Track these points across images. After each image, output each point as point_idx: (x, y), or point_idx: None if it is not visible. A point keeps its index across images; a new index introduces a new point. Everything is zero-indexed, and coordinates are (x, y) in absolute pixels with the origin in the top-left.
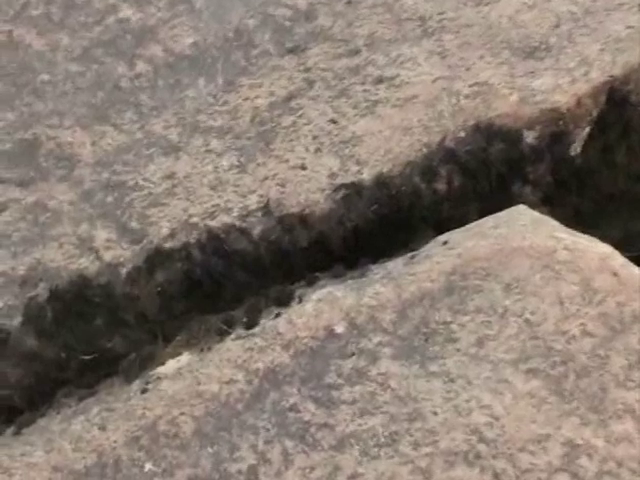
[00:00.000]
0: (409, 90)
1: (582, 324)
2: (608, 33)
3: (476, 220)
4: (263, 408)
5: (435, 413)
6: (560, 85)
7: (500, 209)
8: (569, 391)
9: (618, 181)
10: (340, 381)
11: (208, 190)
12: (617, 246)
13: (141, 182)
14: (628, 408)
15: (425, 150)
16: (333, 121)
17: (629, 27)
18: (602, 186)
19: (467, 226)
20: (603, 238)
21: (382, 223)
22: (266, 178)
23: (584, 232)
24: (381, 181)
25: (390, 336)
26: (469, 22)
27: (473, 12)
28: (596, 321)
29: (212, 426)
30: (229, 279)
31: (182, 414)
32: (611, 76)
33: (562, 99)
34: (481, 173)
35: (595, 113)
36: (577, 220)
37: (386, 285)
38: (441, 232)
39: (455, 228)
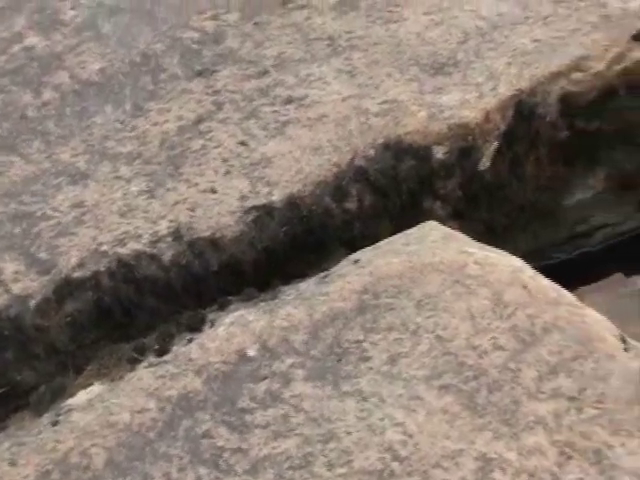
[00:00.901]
0: (318, 110)
1: (493, 338)
2: (515, 47)
3: (388, 237)
4: (176, 436)
5: (349, 433)
6: (468, 100)
7: (411, 225)
8: (482, 405)
9: (527, 193)
10: (253, 405)
11: (117, 217)
12: (528, 257)
13: (49, 212)
14: (540, 420)
15: (335, 170)
16: (243, 143)
17: (535, 40)
18: (512, 199)
19: (378, 244)
20: (514, 250)
21: (294, 244)
22: (176, 203)
23: (495, 245)
24: (292, 202)
25: (303, 357)
26: (378, 40)
27: (382, 30)
28: (507, 334)
29: (124, 456)
30: (140, 306)
31: (94, 445)
32: (518, 89)
33: (470, 114)
34: (392, 190)
35: (503, 127)
36: (488, 234)
37: (298, 306)
38: (353, 251)
39: (367, 246)
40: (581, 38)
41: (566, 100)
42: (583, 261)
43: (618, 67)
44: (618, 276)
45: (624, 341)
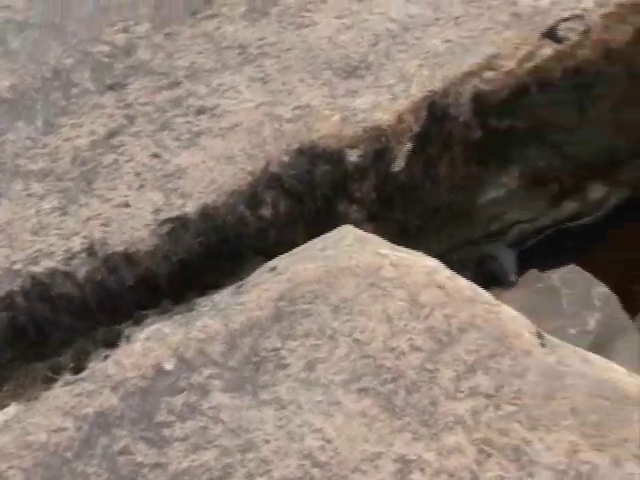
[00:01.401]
0: (231, 119)
1: (410, 339)
2: (426, 48)
3: (304, 243)
4: (93, 454)
5: (268, 442)
6: (381, 103)
7: (327, 230)
8: (400, 407)
9: (442, 194)
10: (171, 418)
11: (30, 235)
12: (445, 257)
13: None
14: (458, 419)
15: (249, 178)
16: (156, 155)
17: (447, 41)
18: (427, 200)
19: (294, 250)
20: (430, 251)
21: (209, 255)
22: (89, 219)
23: (411, 247)
24: (206, 213)
25: (220, 368)
26: (289, 46)
27: (293, 36)
28: (424, 335)
29: (41, 477)
30: (55, 324)
31: (10, 467)
32: (431, 91)
33: (383, 116)
34: (306, 196)
35: (417, 128)
36: (404, 235)
37: (214, 317)
38: (269, 258)
39: (283, 253)
40: (492, 37)
41: (478, 99)
42: None
43: (529, 65)
44: (533, 272)
45: (540, 337)
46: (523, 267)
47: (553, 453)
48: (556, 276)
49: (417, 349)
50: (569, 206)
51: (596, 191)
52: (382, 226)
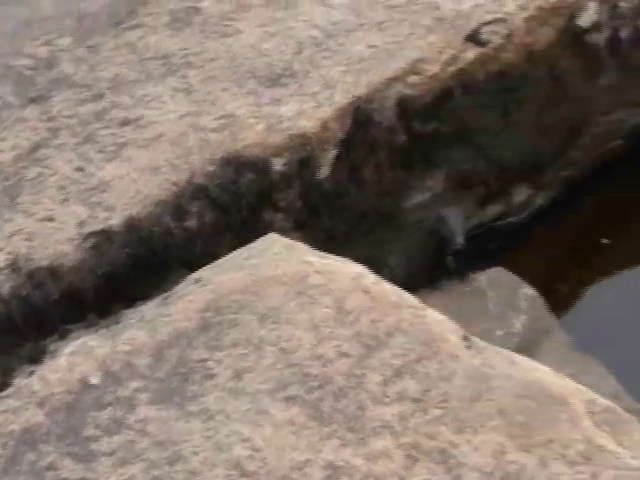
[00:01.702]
0: (155, 130)
1: (337, 346)
2: (350, 54)
3: (230, 253)
4: (20, 470)
5: (196, 453)
6: (305, 110)
7: (253, 240)
8: (328, 414)
9: (368, 199)
10: (98, 433)
11: None
12: (372, 263)
13: None
14: (386, 424)
15: (174, 188)
16: (80, 169)
17: (371, 46)
18: (352, 206)
19: (220, 260)
20: (357, 257)
21: (135, 267)
22: (13, 234)
23: (338, 253)
24: (131, 225)
25: (147, 381)
26: (213, 55)
27: (217, 45)
28: (351, 341)
29: None
30: None
31: None
32: (355, 97)
33: (308, 124)
34: (232, 205)
35: (341, 135)
36: (331, 242)
37: (141, 329)
38: (196, 269)
39: (209, 264)
40: (416, 41)
41: (403, 104)
42: None
43: (453, 68)
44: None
45: (466, 339)
46: (448, 270)
47: (480, 454)
48: (482, 278)
49: (344, 355)
50: (494, 208)
51: (521, 194)
52: (309, 233)
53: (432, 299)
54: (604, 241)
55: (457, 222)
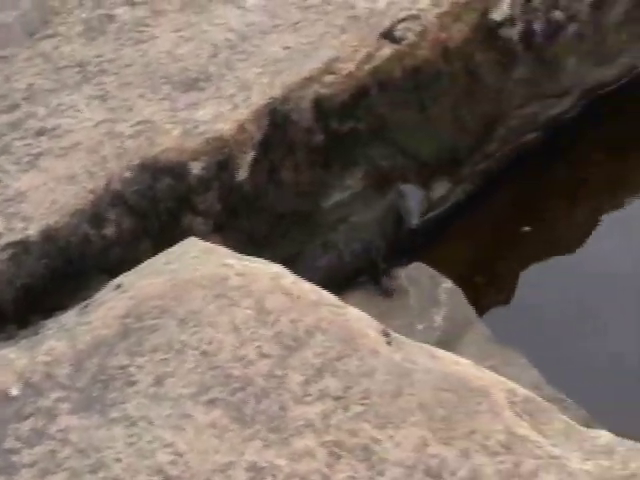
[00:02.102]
0: (71, 138)
1: (258, 347)
2: (265, 56)
3: (149, 259)
4: None
5: (118, 460)
6: (222, 113)
7: (173, 244)
8: (250, 416)
9: (287, 200)
10: (19, 444)
11: None
12: (292, 263)
13: None
14: (308, 423)
15: (91, 197)
16: None
17: (286, 47)
18: (272, 207)
19: (139, 266)
20: (277, 258)
21: (53, 276)
22: None
23: (258, 255)
24: (48, 234)
25: (68, 390)
26: (129, 62)
27: (132, 51)
28: (272, 342)
29: None
30: None
31: None
32: (271, 98)
33: (225, 127)
34: (150, 211)
35: (259, 136)
36: (251, 244)
37: (60, 339)
38: (115, 276)
39: (128, 270)
40: (331, 41)
41: (320, 104)
42: None
43: (369, 66)
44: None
45: (387, 335)
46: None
47: (402, 449)
48: (402, 274)
49: (265, 356)
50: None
51: (440, 188)
52: (229, 236)
53: (353, 297)
54: (525, 229)
55: (415, 202)
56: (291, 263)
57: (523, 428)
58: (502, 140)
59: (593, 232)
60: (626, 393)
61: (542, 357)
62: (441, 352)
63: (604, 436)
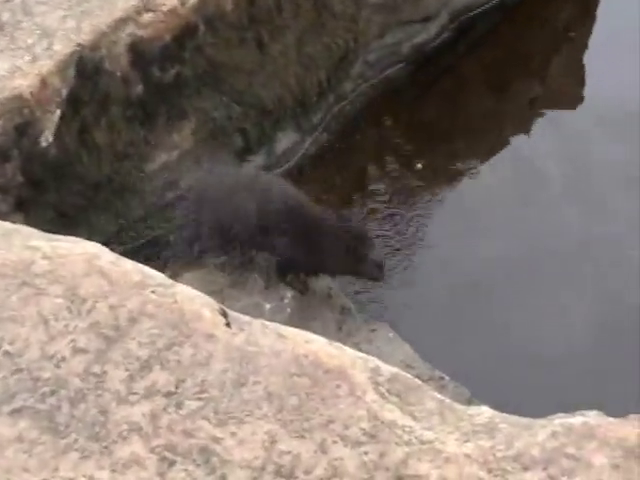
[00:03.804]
0: None
1: (72, 341)
2: None
3: None
4: None
5: None
6: (20, 67)
7: None
8: (64, 424)
9: (103, 166)
10: None
11: None
12: (113, 239)
13: None
14: (134, 426)
15: None
16: None
17: None
18: (85, 175)
19: None
20: (94, 235)
21: None
22: None
23: (72, 233)
24: None
25: None
26: None
27: None
28: (88, 334)
29: None
30: None
31: None
32: (78, 45)
33: (24, 83)
34: None
35: (65, 91)
36: (62, 221)
37: None
38: None
39: None
40: None
41: (137, 48)
42: None
43: (193, 0)
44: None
45: (225, 315)
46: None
47: (247, 448)
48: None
49: (81, 351)
50: (255, 161)
51: (286, 139)
52: (35, 213)
53: (187, 274)
54: (418, 165)
55: None
56: (114, 239)
57: (389, 412)
58: (360, 77)
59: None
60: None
61: (415, 330)
62: (290, 330)
63: (484, 413)
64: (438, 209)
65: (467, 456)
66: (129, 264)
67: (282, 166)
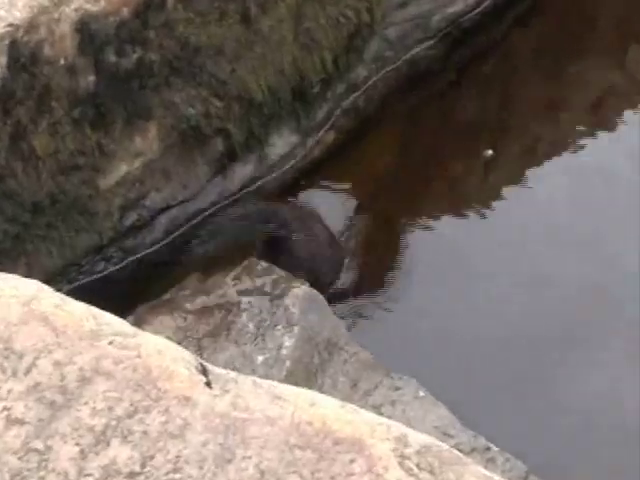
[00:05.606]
0: None
1: (6, 409)
2: None
3: None
4: None
5: None
6: None
7: None
8: None
9: (43, 182)
10: None
11: None
12: (59, 276)
13: None
14: None
15: None
16: None
17: None
18: (20, 194)
19: None
20: (33, 270)
21: None
22: None
23: (2, 269)
24: None
25: None
26: None
27: None
28: (26, 400)
29: None
30: None
31: None
32: (12, 25)
33: None
34: None
35: None
36: None
37: None
38: None
39: None
40: None
41: (87, 28)
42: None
43: None
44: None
45: (205, 372)
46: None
47: None
48: (228, 279)
49: (18, 422)
50: (242, 170)
51: (282, 142)
52: None
53: (157, 318)
54: (489, 152)
55: None
56: (57, 277)
57: None
58: (377, 60)
59: None
60: None
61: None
62: (289, 390)
63: None
64: (484, 233)
65: None
66: (79, 307)
67: (273, 175)
